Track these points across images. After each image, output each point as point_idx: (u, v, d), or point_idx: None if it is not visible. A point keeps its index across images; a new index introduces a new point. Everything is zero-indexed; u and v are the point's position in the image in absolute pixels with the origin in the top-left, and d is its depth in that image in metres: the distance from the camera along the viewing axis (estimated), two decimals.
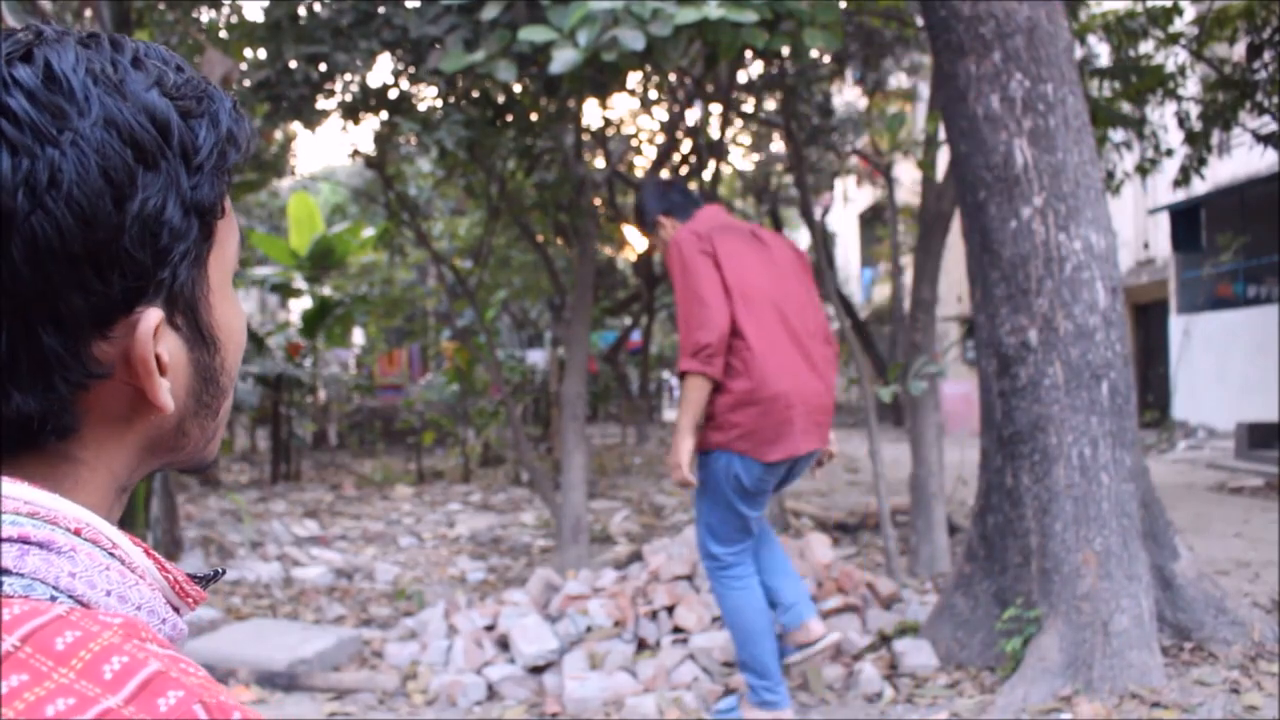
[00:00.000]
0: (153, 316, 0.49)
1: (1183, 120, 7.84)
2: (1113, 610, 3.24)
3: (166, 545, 5.20)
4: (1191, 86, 8.08)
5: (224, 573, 0.62)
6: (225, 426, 0.60)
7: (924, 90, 9.61)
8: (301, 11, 4.83)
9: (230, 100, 0.54)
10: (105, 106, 0.47)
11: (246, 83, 4.81)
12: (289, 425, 10.65)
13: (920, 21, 5.07)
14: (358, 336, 15.96)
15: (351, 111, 5.26)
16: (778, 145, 12.35)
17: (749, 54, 5.23)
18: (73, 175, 0.45)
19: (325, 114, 5.21)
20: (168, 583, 0.51)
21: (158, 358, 0.50)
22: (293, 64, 4.67)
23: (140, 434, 0.53)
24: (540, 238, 7.43)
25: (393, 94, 5.25)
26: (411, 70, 4.96)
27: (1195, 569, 3.68)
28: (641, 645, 3.83)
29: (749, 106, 8.09)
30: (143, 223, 0.48)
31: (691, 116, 7.88)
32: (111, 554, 0.48)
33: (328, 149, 41.72)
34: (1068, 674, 3.17)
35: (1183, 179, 8.10)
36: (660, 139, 8.70)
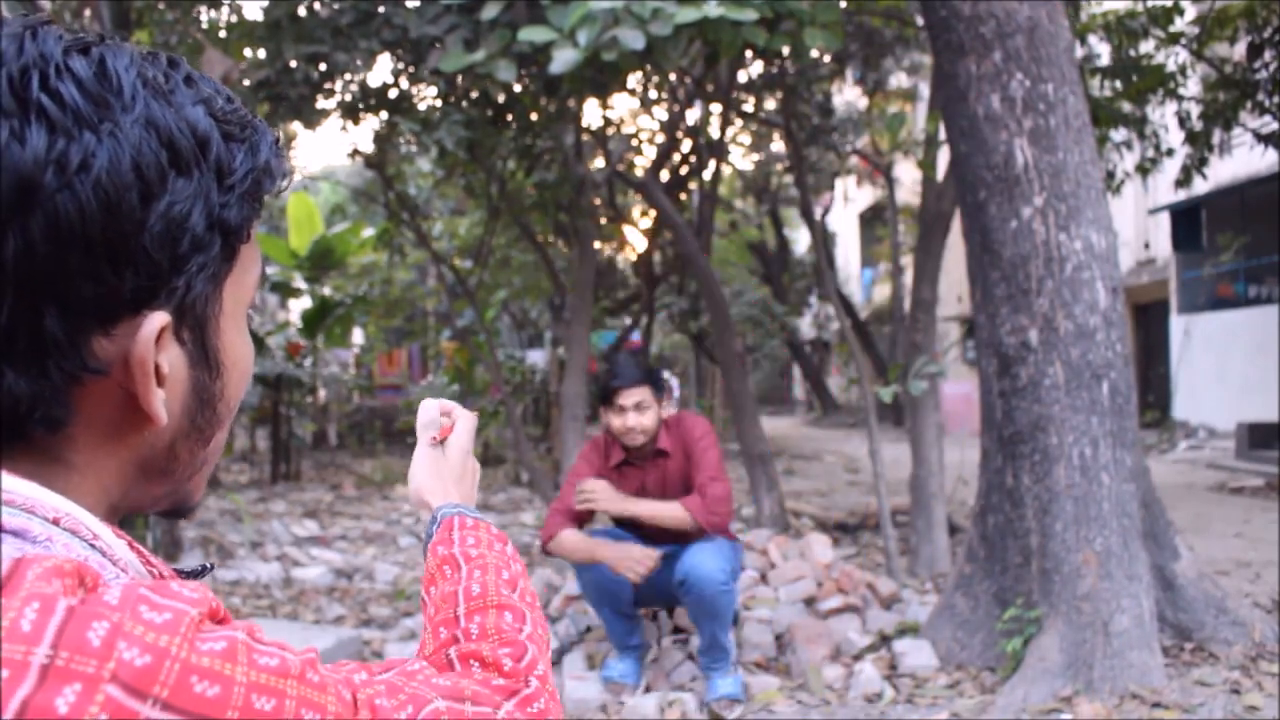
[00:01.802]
0: (157, 320, 0.49)
1: (1183, 120, 7.83)
2: (1113, 610, 3.24)
3: (166, 545, 5.19)
4: (1192, 86, 8.07)
5: (212, 567, 0.62)
6: (213, 464, 0.60)
7: (924, 90, 9.61)
8: (301, 11, 4.82)
9: (274, 136, 0.55)
10: (149, 108, 0.48)
11: (246, 82, 4.80)
12: (289, 425, 10.64)
13: (920, 21, 5.06)
14: (357, 336, 15.96)
15: (351, 111, 5.26)
16: (778, 145, 12.35)
17: (749, 54, 5.23)
18: (104, 163, 0.46)
19: (325, 114, 5.21)
20: (152, 577, 0.51)
21: (156, 366, 0.50)
22: (292, 63, 4.67)
23: (132, 448, 0.52)
24: (540, 238, 7.43)
25: (392, 94, 5.25)
26: (411, 70, 4.96)
27: (1196, 569, 3.68)
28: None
29: (749, 106, 8.09)
30: (166, 224, 0.48)
31: (691, 116, 7.88)
32: (92, 545, 0.48)
33: (327, 149, 41.73)
34: (1068, 674, 3.17)
35: (1184, 179, 8.09)
36: (660, 139, 8.70)
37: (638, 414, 3.30)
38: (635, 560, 3.15)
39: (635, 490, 3.41)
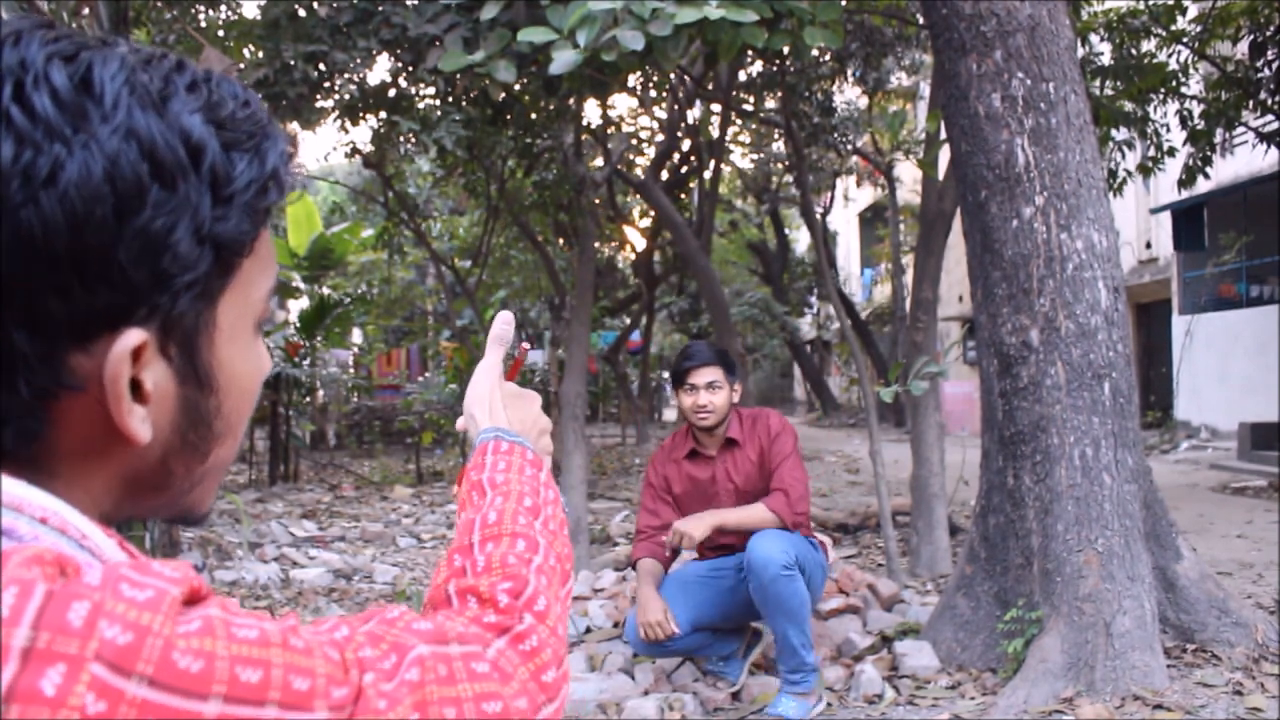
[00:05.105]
0: (131, 338, 0.47)
1: (1185, 119, 7.82)
2: (1115, 611, 3.22)
3: (164, 545, 5.17)
4: (1194, 85, 8.06)
5: (202, 569, 0.61)
6: (220, 476, 0.58)
7: (925, 89, 9.59)
8: (300, 10, 4.81)
9: (286, 143, 0.54)
10: (132, 118, 0.47)
11: (245, 82, 4.79)
12: (287, 425, 10.63)
13: (921, 20, 5.05)
14: (356, 336, 15.95)
15: (350, 110, 5.24)
16: (778, 145, 12.34)
17: (749, 53, 5.21)
18: (74, 176, 0.45)
19: (324, 113, 5.20)
20: None
21: (140, 384, 0.48)
22: (291, 62, 4.65)
23: (121, 463, 0.51)
24: (540, 237, 7.41)
25: (391, 93, 5.23)
26: (410, 69, 4.95)
27: (1198, 570, 3.66)
28: None
29: (749, 106, 8.07)
30: (144, 240, 0.46)
31: (691, 116, 7.86)
32: (81, 545, 0.47)
33: (326, 148, 41.73)
34: (1070, 675, 3.15)
35: (1187, 178, 8.08)
36: (660, 139, 8.69)
37: (709, 393, 3.32)
38: (650, 624, 3.16)
39: (707, 479, 3.41)
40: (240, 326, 0.54)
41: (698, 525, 3.18)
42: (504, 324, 0.89)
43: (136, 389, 0.49)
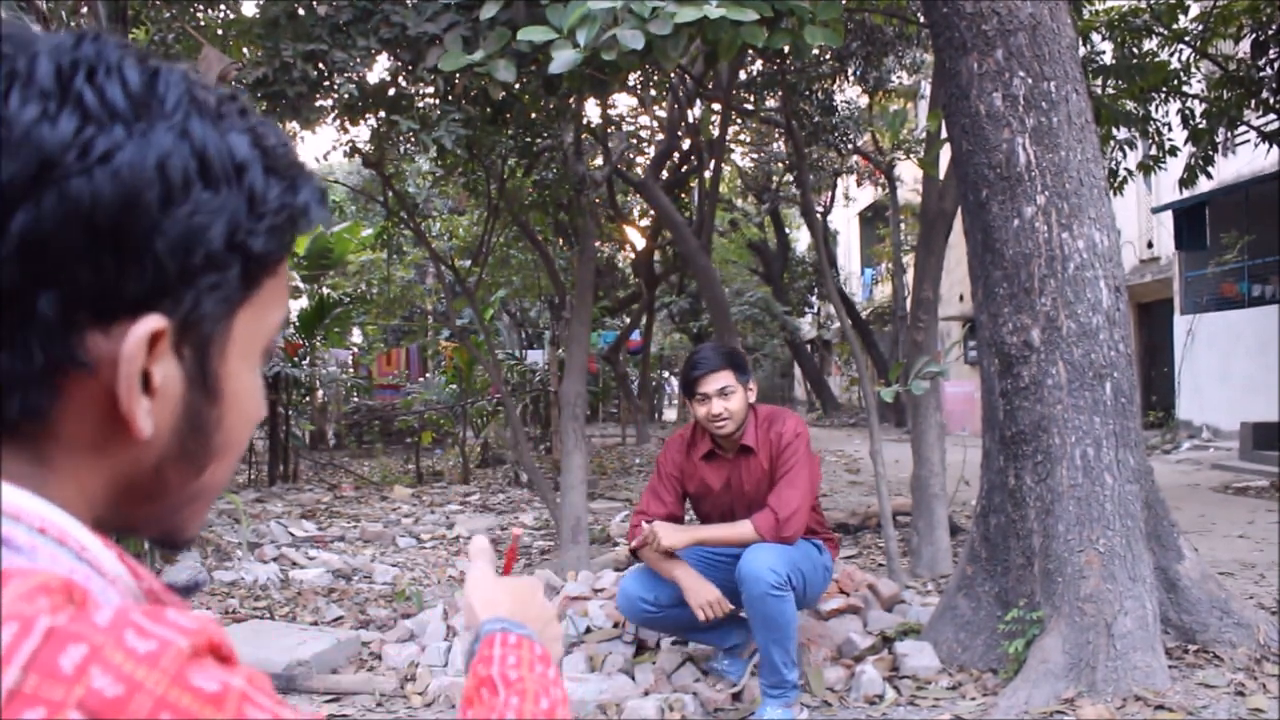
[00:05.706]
0: (152, 321, 0.48)
1: (1187, 118, 7.81)
2: (1116, 612, 3.21)
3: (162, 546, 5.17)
4: (1196, 84, 8.05)
5: (203, 583, 0.60)
6: (211, 501, 0.58)
7: (926, 88, 9.58)
8: (299, 9, 4.80)
9: (317, 181, 0.56)
10: (189, 123, 0.50)
11: (243, 81, 4.77)
12: (287, 425, 10.62)
13: (922, 18, 5.04)
14: (356, 336, 15.93)
15: (350, 110, 5.23)
16: (778, 144, 12.33)
17: (749, 52, 5.20)
18: (128, 158, 0.47)
19: (323, 112, 5.19)
20: (142, 591, 0.50)
21: (148, 375, 0.49)
22: (290, 61, 4.64)
23: (117, 462, 0.51)
24: (540, 237, 7.40)
25: (391, 92, 5.22)
26: (410, 68, 4.94)
27: (1200, 570, 3.65)
28: (641, 647, 3.80)
29: (749, 105, 8.06)
30: (182, 231, 0.48)
31: (691, 115, 7.85)
32: (79, 556, 0.47)
33: (326, 147, 41.67)
34: (1071, 676, 3.14)
35: (1189, 178, 8.07)
36: (660, 138, 8.68)
37: (723, 400, 3.20)
38: (710, 603, 3.09)
39: (723, 483, 3.35)
40: (251, 346, 0.55)
41: (672, 536, 3.15)
42: (480, 544, 0.92)
43: (145, 382, 0.49)
